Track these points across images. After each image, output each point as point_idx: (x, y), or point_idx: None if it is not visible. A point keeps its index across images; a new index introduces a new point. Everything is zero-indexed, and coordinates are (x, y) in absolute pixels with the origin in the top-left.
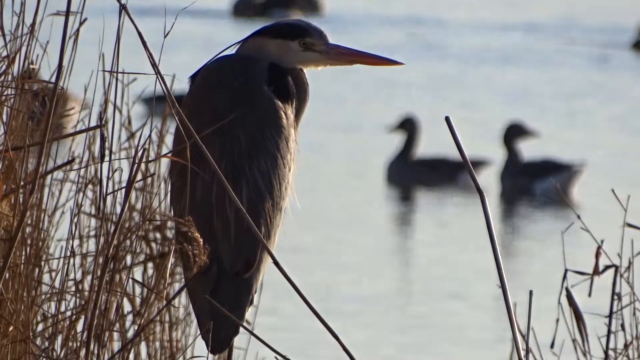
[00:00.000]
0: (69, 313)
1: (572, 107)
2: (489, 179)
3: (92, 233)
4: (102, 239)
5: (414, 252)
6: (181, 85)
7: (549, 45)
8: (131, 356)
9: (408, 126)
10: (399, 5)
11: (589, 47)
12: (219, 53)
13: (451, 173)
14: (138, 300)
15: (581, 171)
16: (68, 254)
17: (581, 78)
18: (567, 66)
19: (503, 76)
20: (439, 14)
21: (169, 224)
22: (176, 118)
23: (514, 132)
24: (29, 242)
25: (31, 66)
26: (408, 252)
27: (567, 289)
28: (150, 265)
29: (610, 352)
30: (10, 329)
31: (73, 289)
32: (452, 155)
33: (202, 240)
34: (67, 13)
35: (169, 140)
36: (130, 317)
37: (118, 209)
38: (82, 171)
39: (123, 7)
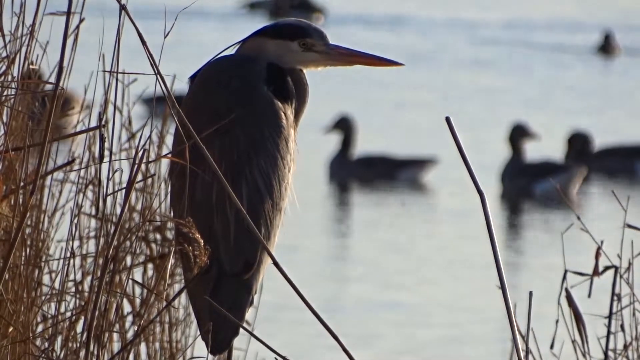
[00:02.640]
0: (68, 314)
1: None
2: (431, 177)
3: (92, 234)
4: (102, 240)
5: (351, 251)
6: (181, 86)
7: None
8: (131, 357)
9: (343, 126)
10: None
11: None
12: (219, 53)
13: (390, 171)
14: (138, 301)
15: (582, 172)
16: (68, 254)
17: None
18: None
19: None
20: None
21: (169, 224)
22: (176, 119)
23: (518, 133)
24: (28, 242)
25: (31, 67)
26: (346, 251)
27: (566, 290)
28: (150, 266)
29: (610, 353)
30: (10, 329)
31: (73, 289)
32: (392, 153)
33: (202, 241)
34: (68, 13)
35: (169, 140)
36: (130, 318)
37: (118, 209)
38: (82, 172)
39: (123, 8)
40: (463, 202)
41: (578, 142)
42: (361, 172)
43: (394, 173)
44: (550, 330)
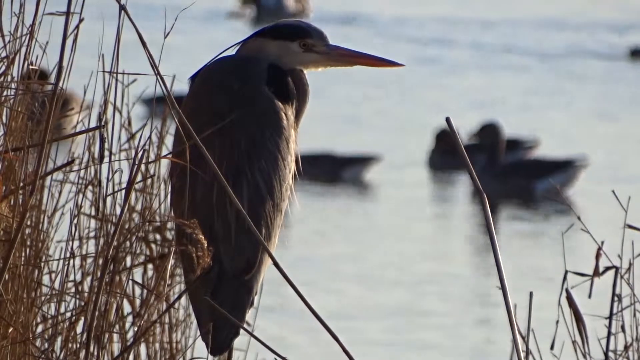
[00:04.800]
0: (68, 314)
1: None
2: (376, 175)
3: (92, 234)
4: (102, 240)
5: (293, 249)
6: (181, 86)
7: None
8: (131, 357)
9: None
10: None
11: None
12: (219, 54)
13: (335, 169)
14: (138, 302)
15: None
16: (68, 255)
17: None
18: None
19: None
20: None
21: (169, 225)
22: (176, 119)
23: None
24: (28, 243)
25: (31, 67)
26: (285, 249)
27: (567, 290)
28: (150, 266)
29: (611, 354)
30: (10, 330)
31: (73, 290)
32: (337, 151)
33: (205, 242)
34: (67, 13)
35: (169, 141)
36: (130, 319)
37: (118, 210)
38: (82, 172)
39: (122, 8)
40: (403, 199)
41: (489, 134)
42: (305, 170)
43: (339, 171)
44: (550, 331)
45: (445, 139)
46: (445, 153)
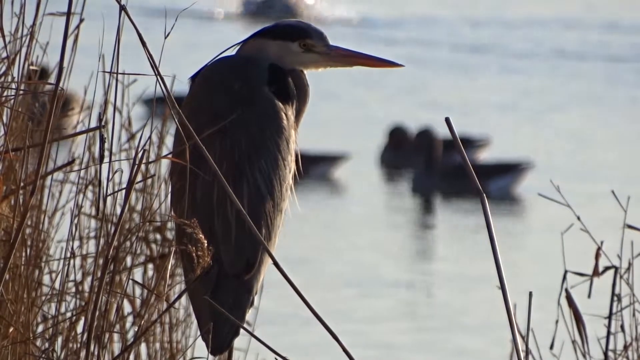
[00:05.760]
0: (69, 314)
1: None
2: (344, 173)
3: (92, 234)
4: (102, 240)
5: None
6: (181, 86)
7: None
8: (131, 357)
9: None
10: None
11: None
12: (220, 54)
13: (304, 167)
14: (138, 302)
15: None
16: (68, 255)
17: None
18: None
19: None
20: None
21: (169, 225)
22: (176, 119)
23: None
24: (29, 243)
25: (32, 67)
26: None
27: (566, 290)
28: (150, 266)
29: (610, 354)
30: (11, 330)
31: (73, 290)
32: (306, 149)
33: (206, 241)
34: (68, 14)
35: (169, 141)
36: (130, 318)
37: (118, 210)
38: (82, 172)
39: (122, 8)
40: (373, 198)
41: (424, 138)
42: None
43: (305, 169)
44: (549, 331)
45: (395, 137)
46: (396, 150)
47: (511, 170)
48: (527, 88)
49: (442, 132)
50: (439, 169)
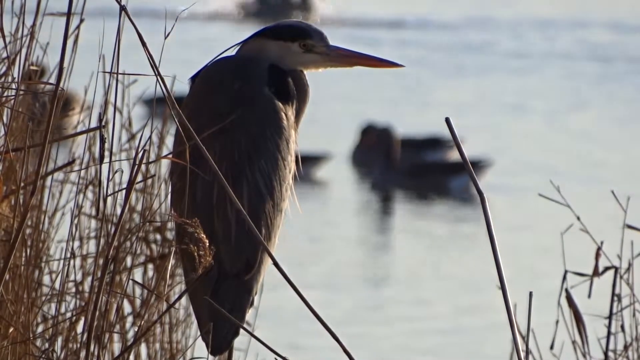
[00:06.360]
0: (69, 314)
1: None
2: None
3: (93, 234)
4: (102, 241)
5: None
6: (182, 87)
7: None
8: (131, 357)
9: None
10: None
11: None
12: (220, 54)
13: None
14: (138, 302)
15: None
16: (68, 255)
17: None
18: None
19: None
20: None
21: (169, 225)
22: (176, 119)
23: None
24: (29, 243)
25: (32, 67)
26: None
27: (566, 290)
28: (150, 266)
29: (610, 354)
30: (11, 330)
31: (73, 290)
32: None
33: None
34: (68, 14)
35: (169, 141)
36: (130, 319)
37: (118, 210)
38: (83, 172)
39: (122, 8)
40: (342, 196)
41: (383, 138)
42: None
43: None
44: (550, 331)
45: (366, 136)
46: (368, 150)
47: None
48: (525, 88)
49: (402, 131)
50: (397, 167)
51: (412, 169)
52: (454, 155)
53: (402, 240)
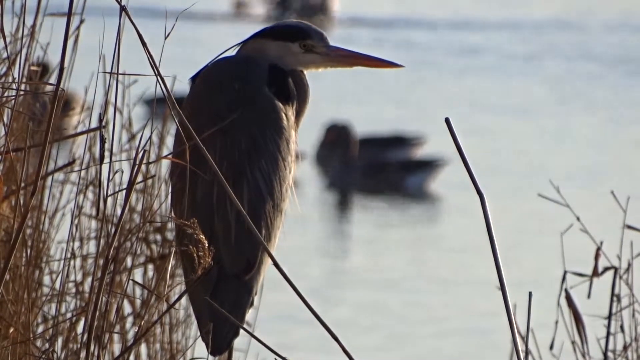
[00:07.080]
0: (69, 315)
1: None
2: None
3: (93, 235)
4: (102, 241)
5: None
6: (182, 87)
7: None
8: (132, 357)
9: None
10: None
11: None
12: (220, 54)
13: None
14: (138, 302)
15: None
16: (68, 255)
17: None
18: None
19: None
20: None
21: (169, 225)
22: (176, 119)
23: (340, 133)
24: (29, 243)
25: (32, 68)
26: None
27: (566, 291)
28: (150, 267)
29: (610, 354)
30: (11, 330)
31: (73, 290)
32: None
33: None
34: (69, 14)
35: (169, 141)
36: (130, 319)
37: (118, 210)
38: (83, 173)
39: (123, 8)
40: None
41: (340, 134)
42: None
43: None
44: (549, 331)
45: (330, 134)
46: (331, 147)
47: (426, 166)
48: (522, 88)
49: (362, 129)
50: (355, 165)
51: (369, 167)
52: (418, 154)
53: (358, 245)
